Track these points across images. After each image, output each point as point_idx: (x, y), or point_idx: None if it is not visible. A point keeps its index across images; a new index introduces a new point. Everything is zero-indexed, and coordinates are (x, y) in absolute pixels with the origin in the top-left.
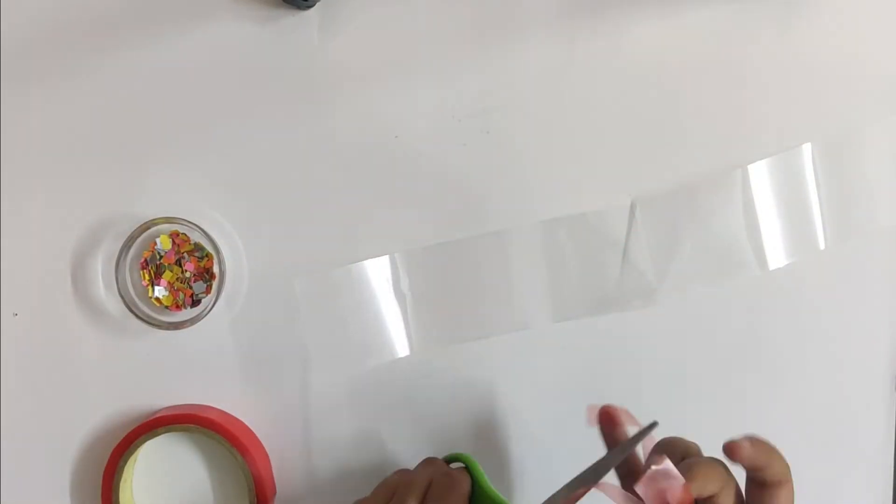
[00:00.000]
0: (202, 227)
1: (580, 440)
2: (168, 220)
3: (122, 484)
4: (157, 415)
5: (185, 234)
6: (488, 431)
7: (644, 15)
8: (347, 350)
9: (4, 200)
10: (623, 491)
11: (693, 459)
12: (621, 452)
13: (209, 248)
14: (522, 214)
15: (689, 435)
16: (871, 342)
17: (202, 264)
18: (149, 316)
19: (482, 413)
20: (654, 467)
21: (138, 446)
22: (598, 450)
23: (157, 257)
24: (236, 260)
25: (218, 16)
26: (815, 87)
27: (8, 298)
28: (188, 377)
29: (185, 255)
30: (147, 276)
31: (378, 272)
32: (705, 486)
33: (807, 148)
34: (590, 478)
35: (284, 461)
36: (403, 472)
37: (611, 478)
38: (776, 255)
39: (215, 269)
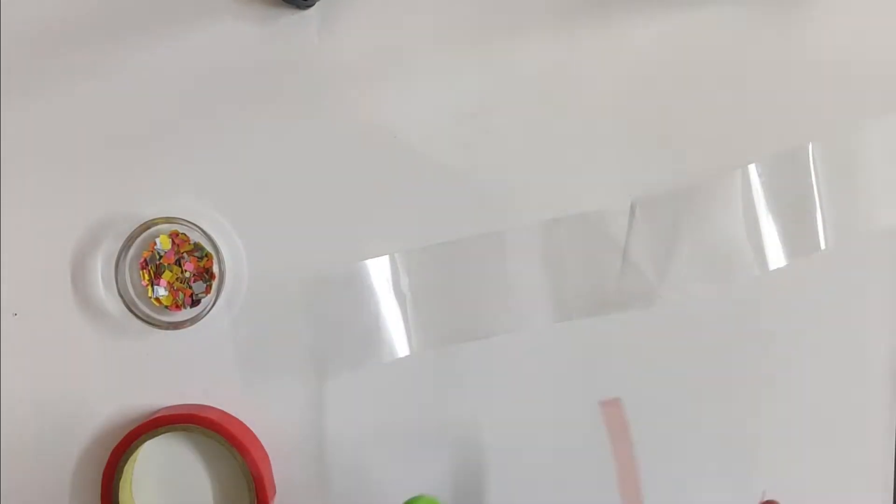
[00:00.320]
0: (202, 227)
1: (581, 439)
2: (168, 220)
3: (122, 484)
4: (157, 415)
5: (185, 234)
6: (489, 431)
7: (644, 15)
8: (347, 350)
9: (4, 200)
10: None
11: None
12: None
13: (209, 248)
14: (522, 214)
15: (690, 435)
16: (871, 342)
17: (202, 264)
18: (149, 316)
19: (482, 413)
20: None
21: (138, 446)
22: (599, 448)
23: (157, 257)
24: (236, 260)
25: (218, 16)
26: (815, 87)
27: (8, 298)
28: (188, 377)
29: (185, 255)
30: (147, 276)
31: (378, 272)
32: None
33: (807, 148)
34: None
35: (284, 461)
36: None
37: None
38: (776, 256)
39: (215, 269)
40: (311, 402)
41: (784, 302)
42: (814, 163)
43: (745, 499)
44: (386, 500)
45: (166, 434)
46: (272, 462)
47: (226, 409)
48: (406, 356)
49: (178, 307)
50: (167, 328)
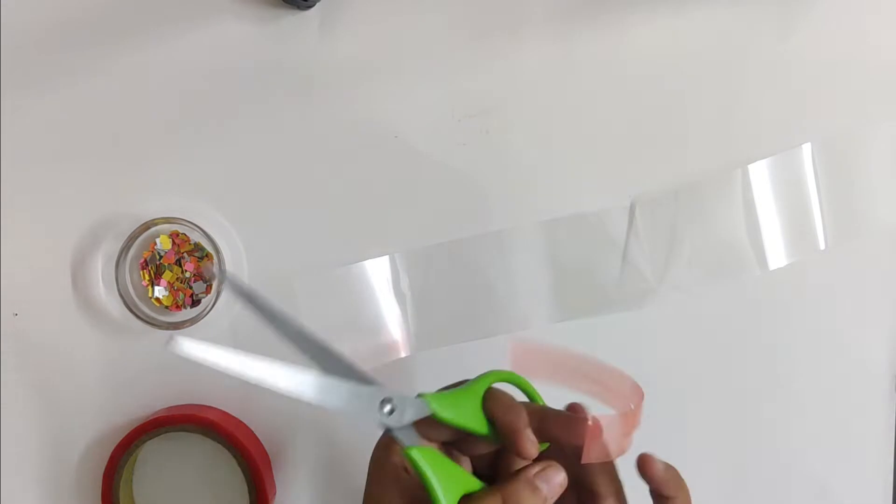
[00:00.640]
0: (202, 227)
1: None
2: (168, 220)
3: (122, 484)
4: (157, 415)
5: (185, 234)
6: None
7: (644, 15)
8: (347, 350)
9: (4, 200)
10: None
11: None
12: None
13: (209, 248)
14: (522, 214)
15: (689, 434)
16: (871, 342)
17: (202, 264)
18: (149, 316)
19: None
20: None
21: (138, 446)
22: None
23: (157, 257)
24: (236, 260)
25: (218, 16)
26: (815, 87)
27: (8, 298)
28: (188, 377)
29: (185, 255)
30: (147, 276)
31: (378, 272)
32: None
33: (807, 148)
34: None
35: (284, 461)
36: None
37: None
38: (776, 255)
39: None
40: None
41: (784, 302)
42: (814, 163)
43: (744, 499)
44: None
45: (166, 434)
46: (272, 462)
47: (226, 409)
48: (406, 356)
49: (178, 307)
50: (167, 328)
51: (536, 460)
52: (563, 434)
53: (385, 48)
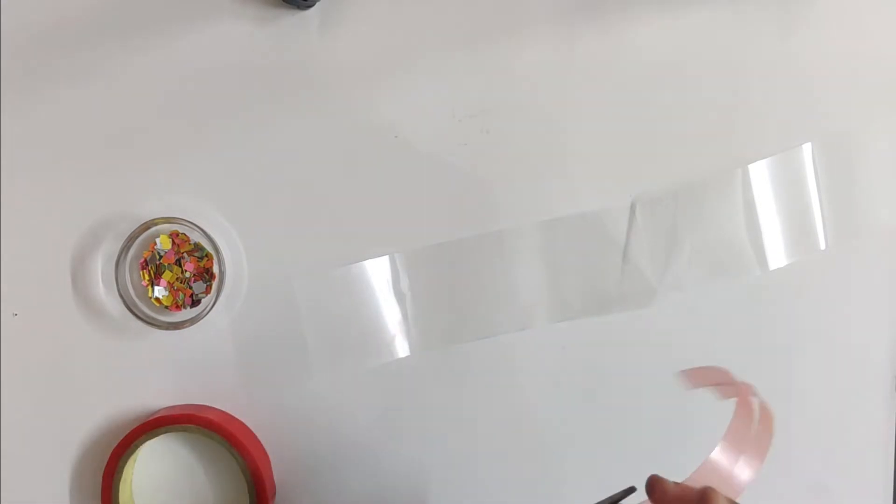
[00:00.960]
0: (202, 227)
1: (580, 439)
2: (168, 220)
3: (122, 484)
4: (157, 415)
5: (185, 234)
6: (489, 431)
7: (644, 15)
8: (347, 350)
9: (4, 200)
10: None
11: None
12: None
13: (209, 248)
14: (522, 214)
15: (689, 434)
16: (871, 342)
17: (202, 264)
18: (149, 316)
19: (483, 413)
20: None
21: (138, 446)
22: (598, 447)
23: (157, 257)
24: (236, 260)
25: (218, 16)
26: (815, 87)
27: (8, 298)
28: (188, 377)
29: (185, 255)
30: (147, 276)
31: (378, 272)
32: None
33: (807, 148)
34: None
35: (284, 461)
36: None
37: None
38: (776, 255)
39: (215, 269)
40: (311, 403)
41: (784, 302)
42: (814, 163)
43: (744, 498)
44: (386, 499)
45: (166, 434)
46: (272, 462)
47: (226, 409)
48: (406, 356)
49: (178, 307)
50: (167, 328)
51: None
52: None
53: (385, 48)
